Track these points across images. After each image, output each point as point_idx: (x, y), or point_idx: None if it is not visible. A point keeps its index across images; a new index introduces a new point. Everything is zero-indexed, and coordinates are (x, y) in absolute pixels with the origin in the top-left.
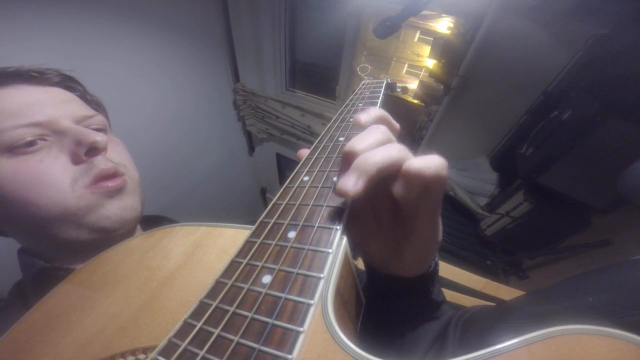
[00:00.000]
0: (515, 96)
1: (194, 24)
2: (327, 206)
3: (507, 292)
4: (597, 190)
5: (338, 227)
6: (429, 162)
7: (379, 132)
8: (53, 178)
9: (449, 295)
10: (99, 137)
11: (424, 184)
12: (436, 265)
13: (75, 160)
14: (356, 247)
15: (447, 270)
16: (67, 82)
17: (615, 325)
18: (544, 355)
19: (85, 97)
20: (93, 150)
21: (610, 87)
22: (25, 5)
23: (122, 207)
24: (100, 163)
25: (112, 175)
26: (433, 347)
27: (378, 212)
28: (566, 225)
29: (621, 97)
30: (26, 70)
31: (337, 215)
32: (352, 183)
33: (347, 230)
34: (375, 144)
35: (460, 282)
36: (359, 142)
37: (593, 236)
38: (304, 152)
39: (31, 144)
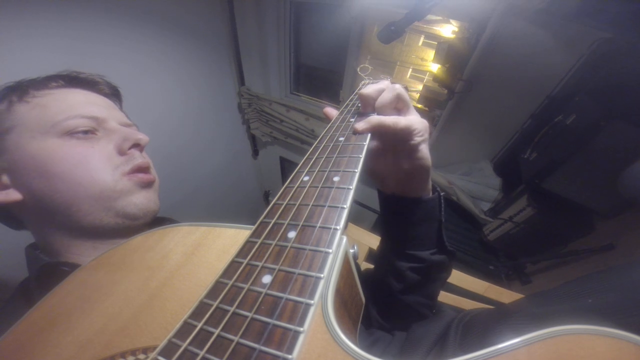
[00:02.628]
0: (519, 100)
1: (201, 28)
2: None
3: (508, 296)
4: (601, 195)
5: (338, 227)
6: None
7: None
8: (99, 161)
9: (451, 299)
10: (142, 136)
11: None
12: (439, 197)
13: (120, 151)
14: (376, 177)
15: None
16: (113, 96)
17: (616, 327)
18: (544, 355)
19: (122, 110)
20: (136, 145)
21: (615, 91)
22: (34, 4)
23: (148, 199)
24: (140, 157)
25: (147, 169)
26: (434, 348)
27: (386, 149)
28: (570, 230)
29: (626, 101)
30: (91, 79)
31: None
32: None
33: (370, 167)
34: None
35: (462, 285)
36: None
37: (597, 241)
38: (331, 111)
39: (85, 132)
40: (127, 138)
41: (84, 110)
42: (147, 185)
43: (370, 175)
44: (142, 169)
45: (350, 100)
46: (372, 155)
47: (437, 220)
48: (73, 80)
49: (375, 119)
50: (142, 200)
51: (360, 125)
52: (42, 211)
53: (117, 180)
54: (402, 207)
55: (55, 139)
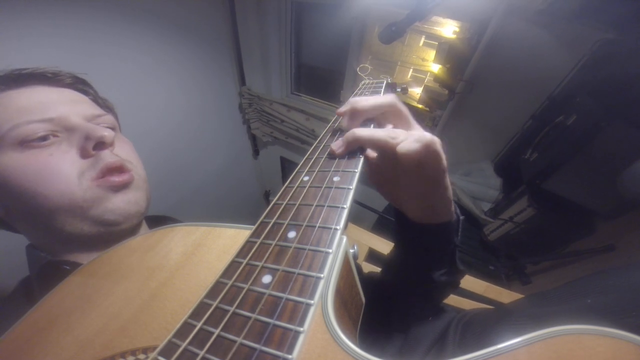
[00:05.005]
0: (520, 101)
1: (202, 28)
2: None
3: (508, 296)
4: (602, 196)
5: (338, 227)
6: (416, 142)
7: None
8: (61, 170)
9: (451, 298)
10: (107, 132)
11: (415, 160)
12: (458, 219)
13: (84, 154)
14: (386, 196)
15: None
16: (79, 85)
17: (614, 327)
18: (544, 355)
19: (97, 100)
20: (100, 144)
21: (616, 91)
22: (38, 5)
23: (127, 201)
24: (107, 157)
25: (119, 169)
26: (433, 348)
27: (394, 175)
28: (570, 231)
29: (627, 101)
30: (41, 72)
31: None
32: (337, 146)
33: (379, 186)
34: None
35: (461, 285)
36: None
37: (597, 241)
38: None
39: (43, 138)
40: (89, 136)
41: (34, 113)
42: (122, 187)
43: (391, 202)
44: (113, 170)
45: None
46: (387, 182)
47: (452, 243)
48: (16, 79)
49: (352, 133)
50: (119, 205)
51: (336, 145)
52: (26, 223)
53: (85, 189)
54: (424, 235)
55: (10, 152)
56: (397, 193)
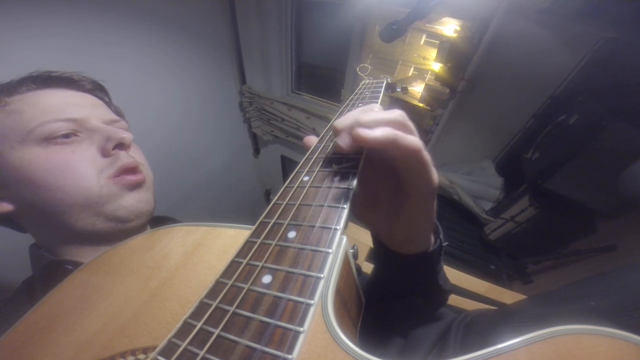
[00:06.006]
0: (522, 100)
1: (202, 27)
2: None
3: (509, 296)
4: (603, 195)
5: (338, 227)
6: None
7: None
8: (81, 166)
9: (452, 299)
10: (126, 135)
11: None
12: (440, 246)
13: (104, 153)
14: (362, 220)
15: (449, 274)
16: (98, 91)
17: (616, 327)
18: (544, 355)
19: (110, 107)
20: (120, 145)
21: (618, 91)
22: (36, 4)
23: (139, 200)
24: (125, 157)
25: (134, 169)
26: (434, 349)
27: (381, 188)
28: (572, 230)
29: (628, 101)
30: (68, 76)
31: (343, 195)
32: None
33: (355, 207)
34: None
35: (462, 286)
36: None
37: (599, 241)
38: (312, 140)
39: (66, 136)
40: (110, 138)
41: (59, 113)
42: (136, 186)
43: (375, 230)
44: (129, 170)
45: (351, 100)
46: (369, 202)
47: (434, 270)
48: (46, 80)
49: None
50: (132, 203)
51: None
52: (37, 218)
53: (102, 185)
54: (405, 265)
55: (34, 147)
56: (382, 219)
